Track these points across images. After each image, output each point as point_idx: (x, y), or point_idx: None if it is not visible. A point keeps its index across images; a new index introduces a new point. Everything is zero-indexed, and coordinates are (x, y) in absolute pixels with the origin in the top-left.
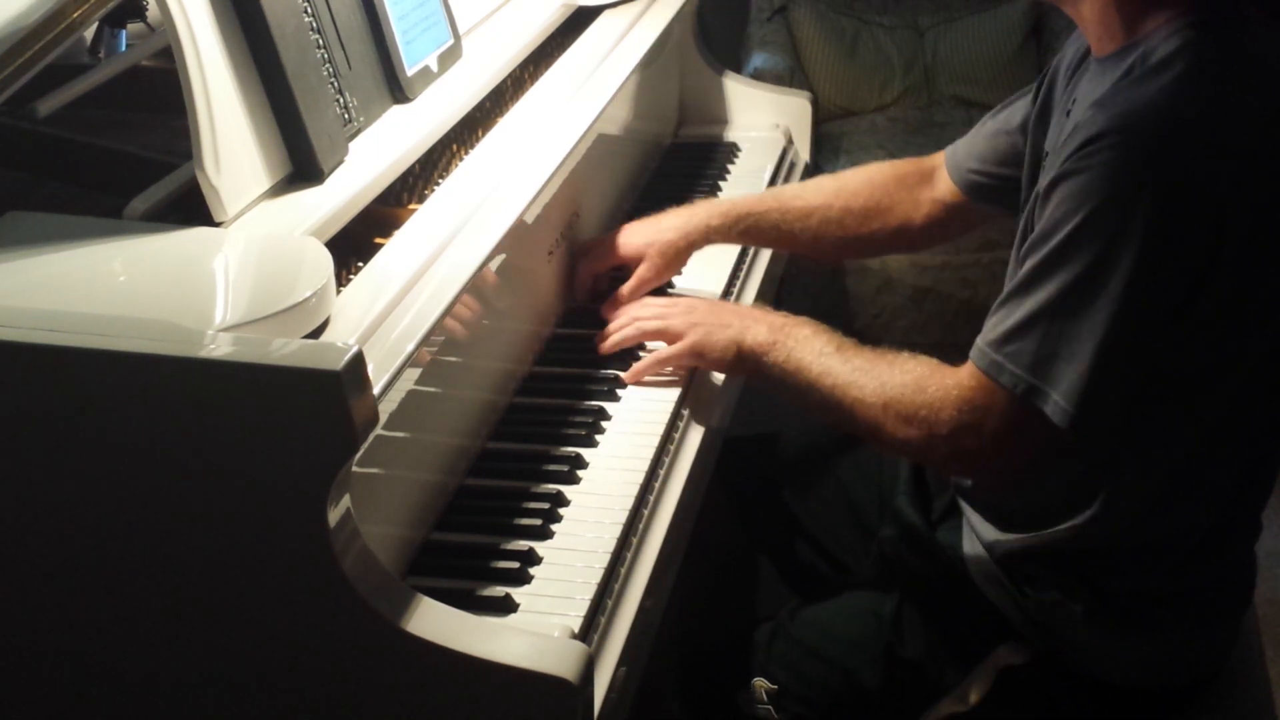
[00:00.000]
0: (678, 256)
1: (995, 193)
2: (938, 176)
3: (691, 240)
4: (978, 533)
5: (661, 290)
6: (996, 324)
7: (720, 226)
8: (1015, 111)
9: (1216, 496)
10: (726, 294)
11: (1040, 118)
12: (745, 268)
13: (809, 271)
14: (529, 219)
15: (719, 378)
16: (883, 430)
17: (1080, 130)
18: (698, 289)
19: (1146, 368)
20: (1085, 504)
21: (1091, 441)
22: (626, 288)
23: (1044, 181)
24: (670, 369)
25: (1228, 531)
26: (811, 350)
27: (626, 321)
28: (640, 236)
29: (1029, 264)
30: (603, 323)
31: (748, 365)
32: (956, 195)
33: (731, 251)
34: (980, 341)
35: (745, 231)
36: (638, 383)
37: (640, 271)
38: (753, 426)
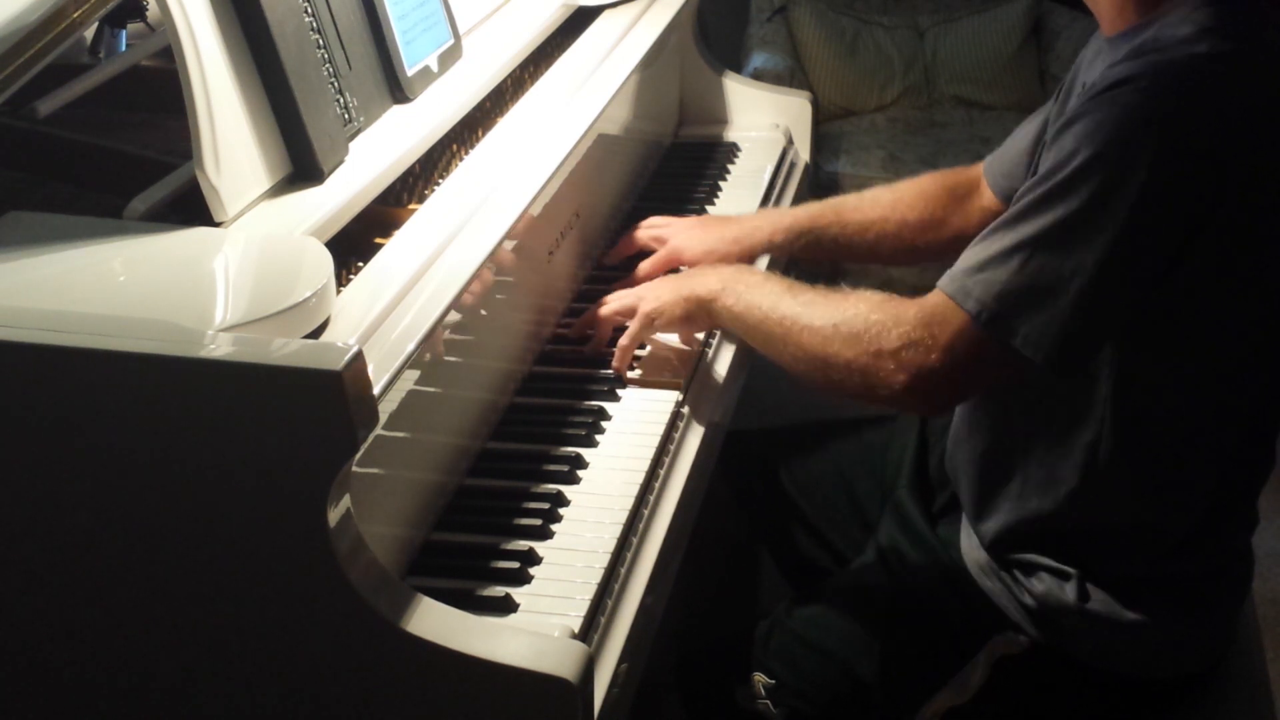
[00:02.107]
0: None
1: None
2: (982, 187)
3: (751, 255)
4: (977, 525)
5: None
6: (974, 253)
7: (783, 243)
8: (1040, 121)
9: (1207, 480)
10: None
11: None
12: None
13: (808, 275)
14: (529, 219)
15: (719, 376)
16: (829, 353)
17: (1097, 85)
18: None
19: (1131, 317)
20: (1087, 497)
21: (1065, 380)
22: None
23: (1052, 130)
24: (668, 373)
25: (1221, 519)
26: (762, 291)
27: (586, 318)
28: (700, 244)
29: (1023, 199)
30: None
31: (700, 316)
32: (1000, 205)
33: None
34: (952, 269)
35: (806, 246)
36: (628, 374)
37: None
38: (755, 420)
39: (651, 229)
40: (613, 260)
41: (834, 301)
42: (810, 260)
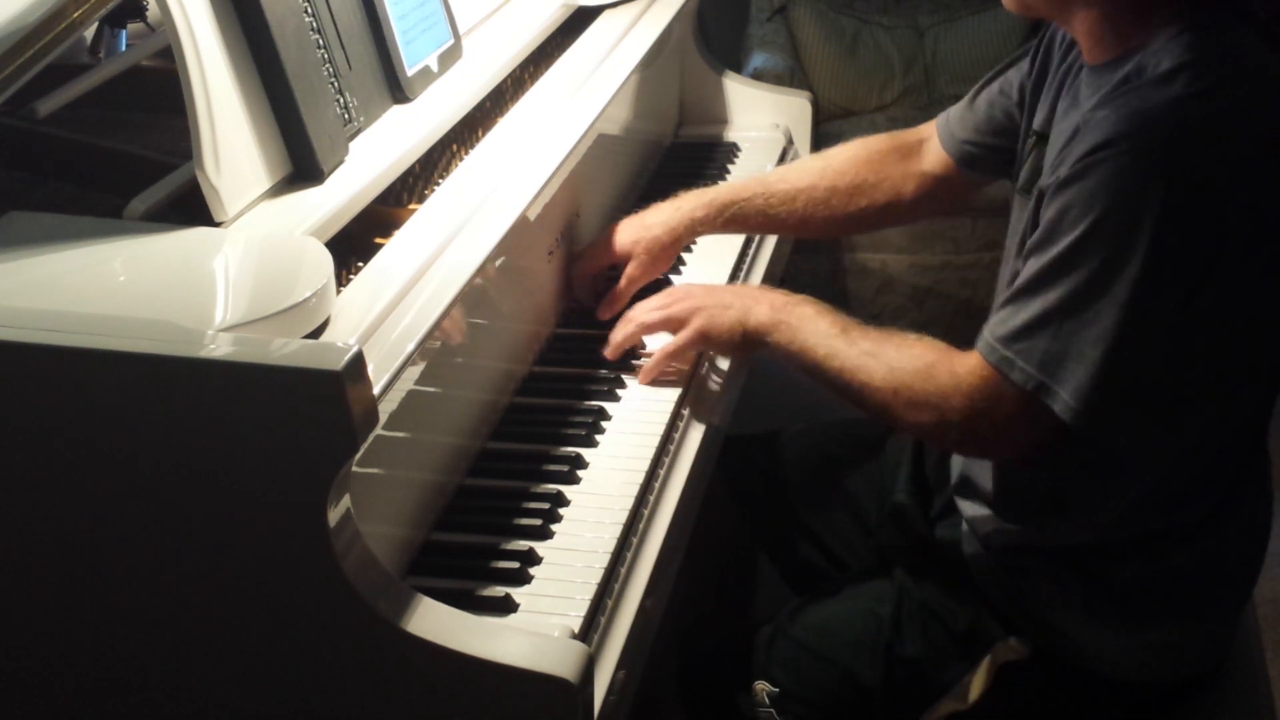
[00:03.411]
0: (664, 252)
1: (987, 163)
2: (926, 148)
3: (677, 235)
4: (976, 528)
5: (658, 285)
6: (1004, 319)
7: (705, 218)
8: (1010, 79)
9: (1211, 487)
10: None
11: (1035, 88)
12: (748, 263)
13: (808, 271)
14: (529, 219)
15: (718, 378)
16: (893, 414)
17: (1084, 136)
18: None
19: (1151, 366)
20: (1087, 499)
21: (1094, 433)
22: (619, 288)
23: (1047, 179)
24: (673, 365)
25: (1218, 518)
26: (816, 332)
27: (626, 321)
28: (628, 235)
29: (1036, 264)
30: (603, 323)
31: (752, 346)
32: (948, 166)
33: (734, 247)
34: (989, 335)
35: (731, 219)
36: (651, 382)
37: (629, 271)
38: (754, 425)
39: (583, 261)
40: (588, 301)
41: (887, 356)
42: (802, 237)
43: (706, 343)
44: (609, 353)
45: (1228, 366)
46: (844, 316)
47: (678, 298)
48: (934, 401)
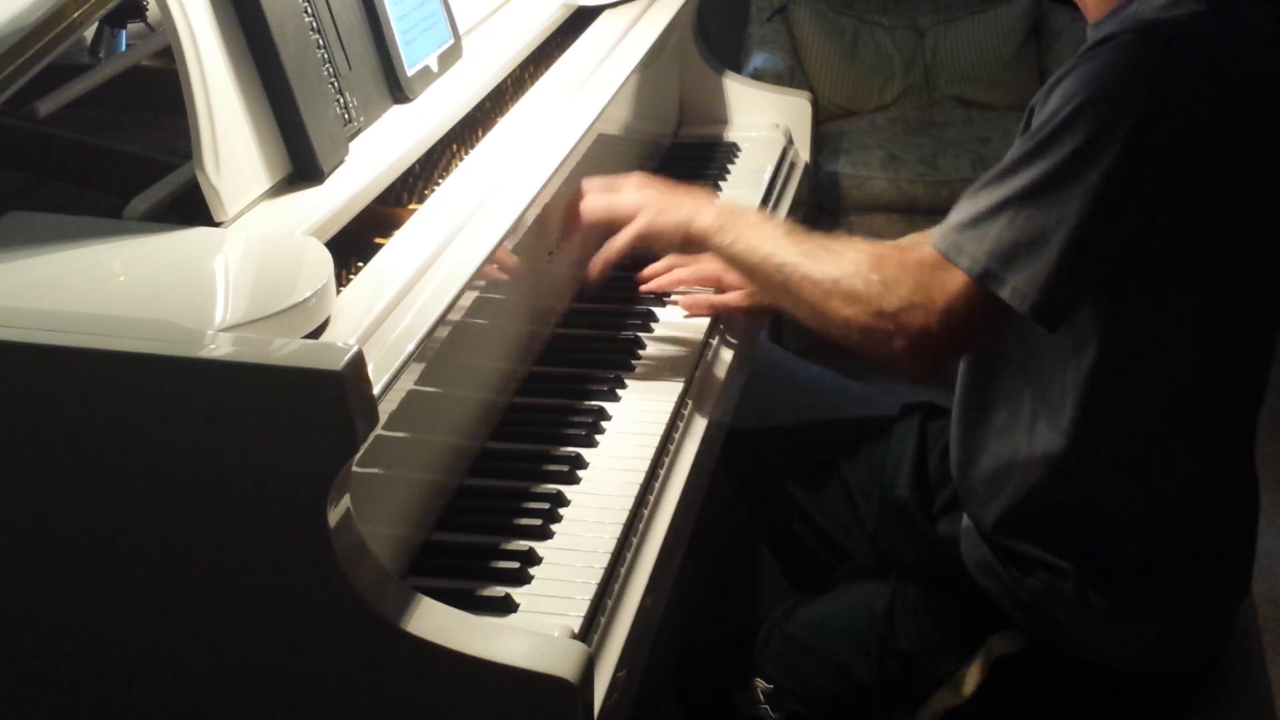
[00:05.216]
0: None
1: None
2: None
3: None
4: (977, 522)
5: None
6: (966, 208)
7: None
8: None
9: (1201, 464)
10: None
11: None
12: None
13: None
14: (529, 219)
15: (719, 375)
16: (829, 308)
17: (1083, 46)
18: None
19: (1114, 274)
20: (1067, 457)
21: (1051, 328)
22: (659, 265)
23: (1040, 94)
24: (669, 373)
25: (1212, 503)
26: (760, 234)
27: (570, 210)
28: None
29: (1012, 154)
30: (604, 323)
31: (694, 247)
32: None
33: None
34: (944, 225)
35: None
36: (605, 276)
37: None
38: (756, 419)
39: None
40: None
41: (833, 253)
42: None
43: (648, 240)
44: (553, 251)
45: (1213, 320)
46: (791, 223)
47: (629, 186)
48: (874, 290)
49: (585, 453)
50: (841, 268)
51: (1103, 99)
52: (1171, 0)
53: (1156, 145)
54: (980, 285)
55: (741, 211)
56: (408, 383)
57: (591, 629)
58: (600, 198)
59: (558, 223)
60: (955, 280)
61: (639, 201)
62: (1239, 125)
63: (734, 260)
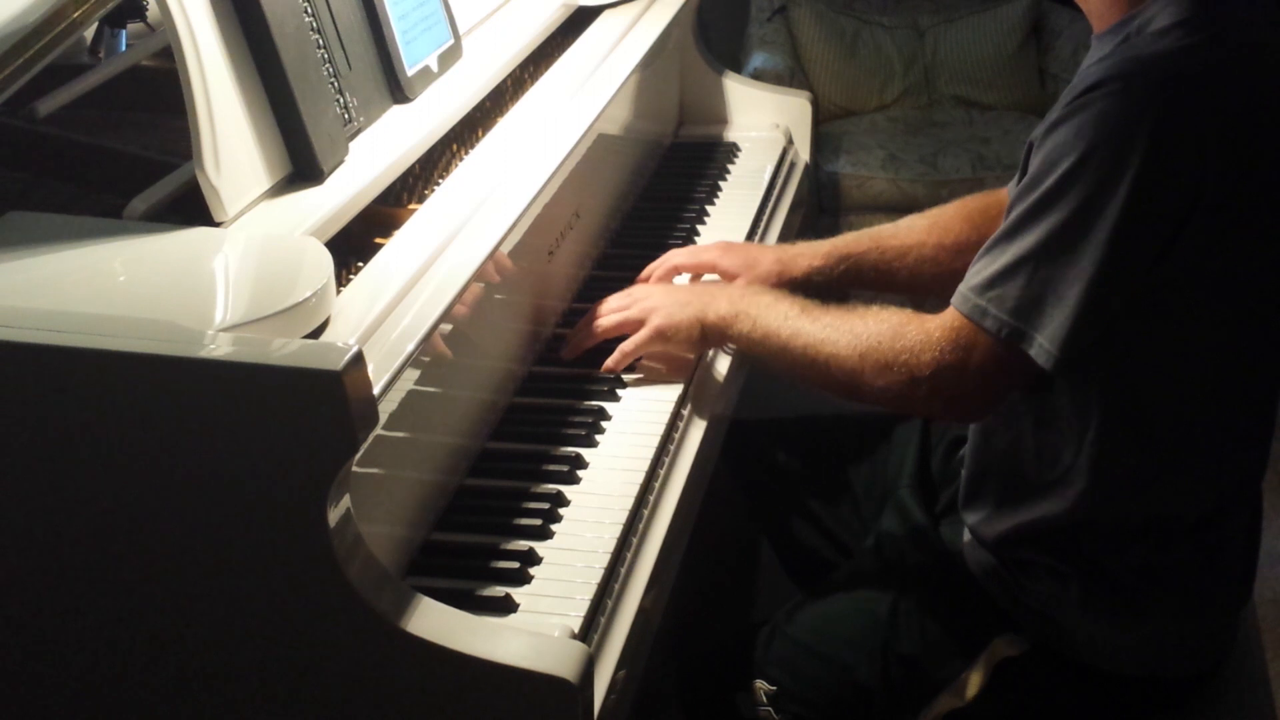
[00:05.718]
0: (764, 284)
1: None
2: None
3: (788, 276)
4: (980, 522)
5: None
6: (981, 269)
7: (823, 267)
8: None
9: (1206, 472)
10: None
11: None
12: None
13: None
14: (529, 219)
15: (719, 375)
16: (861, 381)
17: (1078, 83)
18: None
19: (1129, 312)
20: (1077, 477)
21: (1070, 378)
22: None
23: (1037, 132)
24: (668, 367)
25: (1220, 513)
26: (777, 315)
27: (584, 324)
28: (737, 258)
29: (1018, 208)
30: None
31: (714, 340)
32: None
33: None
34: (963, 287)
35: (846, 272)
36: (621, 370)
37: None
38: (759, 413)
39: (681, 258)
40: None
41: (853, 325)
42: (916, 295)
43: (664, 341)
44: (566, 354)
45: (1220, 337)
46: (804, 299)
47: (636, 298)
48: (903, 359)
49: (585, 453)
50: (865, 340)
51: (1103, 150)
52: (1169, 25)
53: (1160, 190)
54: (1008, 346)
55: (752, 295)
56: (408, 383)
57: (591, 629)
58: (612, 315)
59: (571, 337)
60: (982, 343)
61: (649, 306)
62: (1242, 151)
63: (756, 347)
